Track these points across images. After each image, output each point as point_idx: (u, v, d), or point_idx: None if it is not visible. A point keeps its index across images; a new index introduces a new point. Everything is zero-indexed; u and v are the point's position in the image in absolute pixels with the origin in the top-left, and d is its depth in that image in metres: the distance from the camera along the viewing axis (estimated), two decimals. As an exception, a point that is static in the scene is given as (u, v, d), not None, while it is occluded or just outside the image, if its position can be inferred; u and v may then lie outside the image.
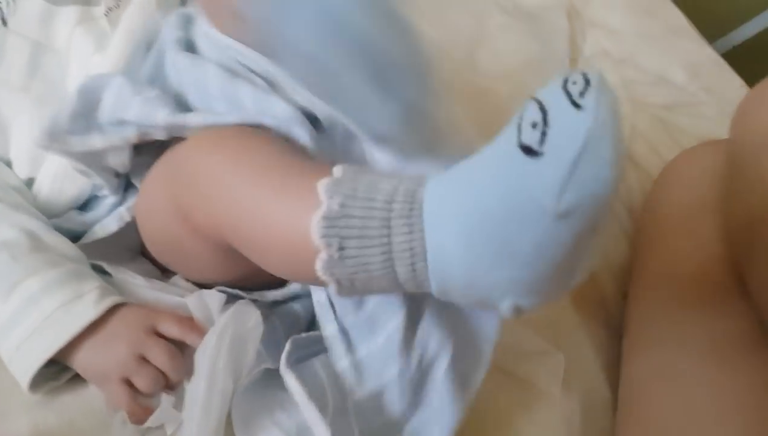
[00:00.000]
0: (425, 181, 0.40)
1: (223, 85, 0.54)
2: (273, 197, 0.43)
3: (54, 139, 0.54)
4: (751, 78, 0.98)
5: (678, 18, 1.06)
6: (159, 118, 0.53)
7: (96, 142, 0.55)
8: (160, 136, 0.54)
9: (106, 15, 0.64)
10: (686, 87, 0.96)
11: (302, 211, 0.41)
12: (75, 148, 0.55)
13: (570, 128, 0.35)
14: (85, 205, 0.64)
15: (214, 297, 0.55)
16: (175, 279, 0.60)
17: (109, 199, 0.63)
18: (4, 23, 0.64)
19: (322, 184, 0.40)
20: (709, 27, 1.12)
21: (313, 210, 0.40)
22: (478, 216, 0.37)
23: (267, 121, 0.51)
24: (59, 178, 0.62)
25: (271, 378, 0.52)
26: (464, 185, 0.38)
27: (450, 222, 0.38)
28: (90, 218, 0.63)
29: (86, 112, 0.56)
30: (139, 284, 0.57)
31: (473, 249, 0.37)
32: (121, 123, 0.55)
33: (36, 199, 0.63)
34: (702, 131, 0.90)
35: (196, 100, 0.56)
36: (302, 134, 0.50)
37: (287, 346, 0.50)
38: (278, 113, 0.51)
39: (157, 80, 0.58)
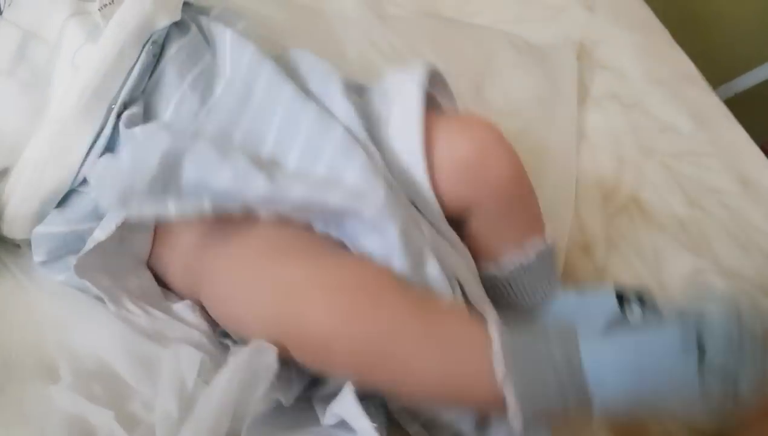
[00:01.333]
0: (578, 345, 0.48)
1: (340, 149, 0.56)
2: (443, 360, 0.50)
3: (127, 202, 0.53)
4: (751, 126, 0.99)
5: (686, 64, 1.06)
6: (258, 188, 0.53)
7: (170, 210, 0.53)
8: (241, 209, 0.54)
9: (100, 10, 0.65)
10: (693, 136, 0.95)
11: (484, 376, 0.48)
12: (147, 213, 0.54)
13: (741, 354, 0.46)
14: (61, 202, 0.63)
15: (192, 358, 0.53)
16: (179, 308, 0.58)
17: (93, 193, 0.61)
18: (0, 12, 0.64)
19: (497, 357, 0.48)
20: (714, 73, 1.12)
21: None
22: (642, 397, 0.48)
23: (364, 210, 0.54)
24: (39, 168, 0.61)
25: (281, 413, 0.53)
26: (632, 373, 0.47)
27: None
28: (73, 216, 0.61)
29: (166, 178, 0.55)
30: (140, 321, 0.55)
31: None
32: (201, 191, 0.54)
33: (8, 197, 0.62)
34: (706, 182, 0.90)
35: (294, 156, 0.58)
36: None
37: None
38: (376, 201, 0.54)
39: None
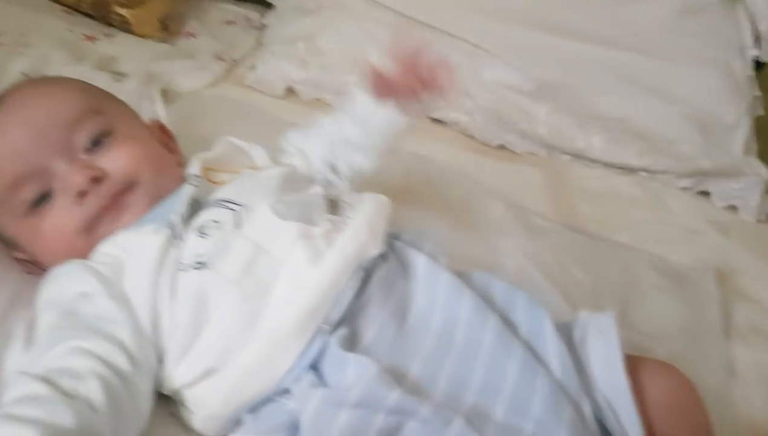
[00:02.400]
0: None
1: (549, 404, 0.61)
2: None
3: None
4: None
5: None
6: None
7: None
8: None
9: (323, 236, 0.70)
10: None
11: None
12: None
13: None
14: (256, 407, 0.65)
15: None
16: None
17: (290, 405, 0.63)
18: (238, 227, 0.71)
19: None
20: None
21: None
22: None
23: None
24: (247, 375, 0.64)
25: None
26: None
27: None
28: (267, 425, 0.63)
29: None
30: None
31: None
32: None
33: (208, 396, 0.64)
34: None
35: (501, 409, 0.61)
36: None
37: None
38: None
39: None
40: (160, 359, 0.66)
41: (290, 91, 1.28)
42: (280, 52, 1.30)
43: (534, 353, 0.65)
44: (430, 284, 0.71)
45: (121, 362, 0.61)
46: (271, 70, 1.28)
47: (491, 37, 1.31)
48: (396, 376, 0.62)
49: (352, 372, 0.62)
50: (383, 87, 0.78)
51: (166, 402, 0.68)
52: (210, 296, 0.66)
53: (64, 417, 0.54)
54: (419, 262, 0.73)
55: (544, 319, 0.68)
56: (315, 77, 1.28)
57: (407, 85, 0.76)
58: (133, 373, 0.62)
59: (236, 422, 0.66)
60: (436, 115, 1.28)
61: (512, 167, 1.25)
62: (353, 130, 0.83)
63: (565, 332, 0.69)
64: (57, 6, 1.30)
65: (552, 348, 0.65)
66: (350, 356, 0.63)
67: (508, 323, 0.67)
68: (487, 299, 0.71)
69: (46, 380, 0.57)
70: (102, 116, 0.78)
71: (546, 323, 0.68)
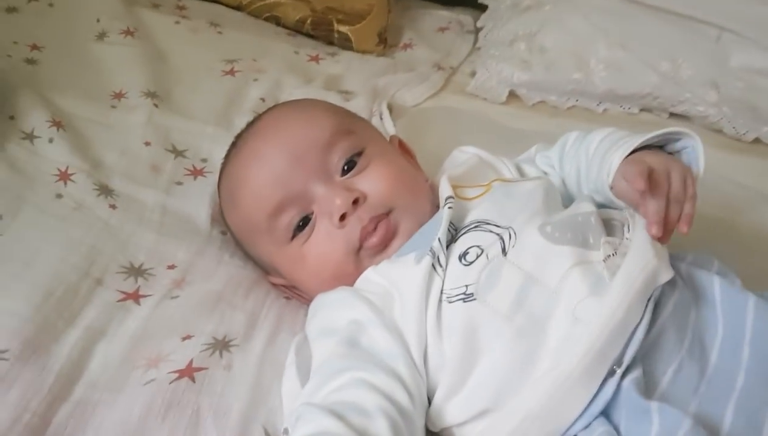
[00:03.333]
0: None
1: None
2: None
3: None
4: None
5: None
6: None
7: None
8: None
9: (604, 261, 0.63)
10: None
11: None
12: None
13: None
14: None
15: None
16: None
17: None
18: (504, 253, 0.65)
19: None
20: None
21: None
22: None
23: None
24: (529, 420, 0.58)
25: None
26: None
27: None
28: None
29: None
30: None
31: None
32: None
33: None
34: None
35: None
36: None
37: None
38: None
39: None
40: (431, 396, 0.63)
41: (512, 96, 1.23)
42: (500, 55, 1.25)
43: None
44: (733, 311, 0.62)
45: (403, 398, 0.59)
46: (492, 75, 1.23)
47: (739, 17, 1.16)
48: (709, 428, 0.54)
49: (657, 425, 0.54)
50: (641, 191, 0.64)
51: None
52: (480, 330, 0.62)
53: None
54: (714, 286, 0.64)
55: None
56: (539, 78, 1.21)
57: (663, 196, 0.64)
58: (413, 410, 0.60)
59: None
60: (677, 109, 1.17)
61: (773, 163, 1.09)
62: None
63: None
64: (281, 29, 1.34)
65: None
66: (654, 405, 0.55)
67: None
68: None
69: (336, 415, 0.56)
70: (354, 136, 0.77)
71: None
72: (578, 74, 1.20)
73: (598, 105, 1.20)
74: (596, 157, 0.71)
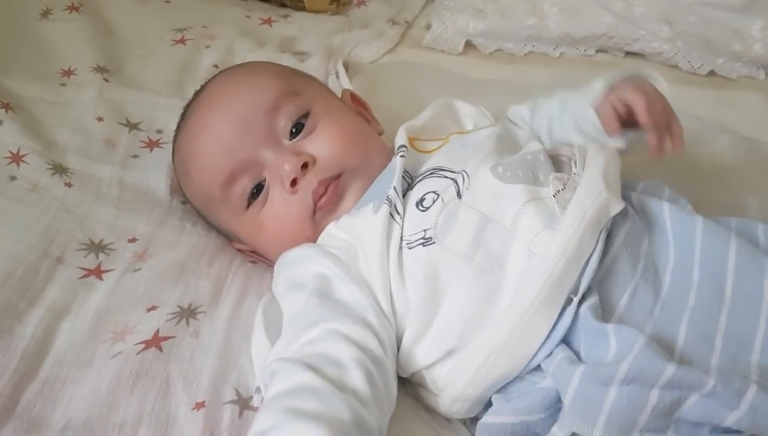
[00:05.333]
0: None
1: None
2: None
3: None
4: None
5: None
6: None
7: None
8: None
9: (554, 196, 0.64)
10: None
11: None
12: None
13: None
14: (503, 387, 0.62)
15: None
16: None
17: (542, 383, 0.59)
18: (459, 196, 0.66)
19: None
20: None
21: None
22: None
23: None
24: (494, 355, 0.59)
25: None
26: None
27: None
28: (521, 406, 0.59)
29: (666, 411, 0.53)
30: None
31: None
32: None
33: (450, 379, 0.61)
34: None
35: None
36: None
37: None
38: None
39: None
40: (399, 342, 0.64)
41: (469, 46, 1.22)
42: (454, 6, 1.24)
43: None
44: (683, 235, 0.63)
45: (375, 347, 0.60)
46: (448, 27, 1.22)
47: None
48: (664, 345, 0.55)
49: (614, 345, 0.56)
50: (620, 117, 0.68)
51: (403, 385, 0.66)
52: (441, 272, 0.63)
53: (342, 411, 0.53)
54: (664, 212, 0.65)
55: None
56: (494, 26, 1.20)
57: (647, 122, 0.66)
58: (385, 358, 0.60)
59: (485, 404, 0.63)
60: (633, 47, 1.17)
61: (728, 95, 1.11)
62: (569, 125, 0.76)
63: None
64: (232, -6, 1.32)
65: None
66: (610, 327, 0.57)
67: None
68: (753, 245, 0.61)
69: (311, 368, 0.56)
70: (299, 97, 0.76)
71: None
72: (533, 20, 1.19)
73: (554, 49, 1.20)
74: (571, 95, 0.75)
